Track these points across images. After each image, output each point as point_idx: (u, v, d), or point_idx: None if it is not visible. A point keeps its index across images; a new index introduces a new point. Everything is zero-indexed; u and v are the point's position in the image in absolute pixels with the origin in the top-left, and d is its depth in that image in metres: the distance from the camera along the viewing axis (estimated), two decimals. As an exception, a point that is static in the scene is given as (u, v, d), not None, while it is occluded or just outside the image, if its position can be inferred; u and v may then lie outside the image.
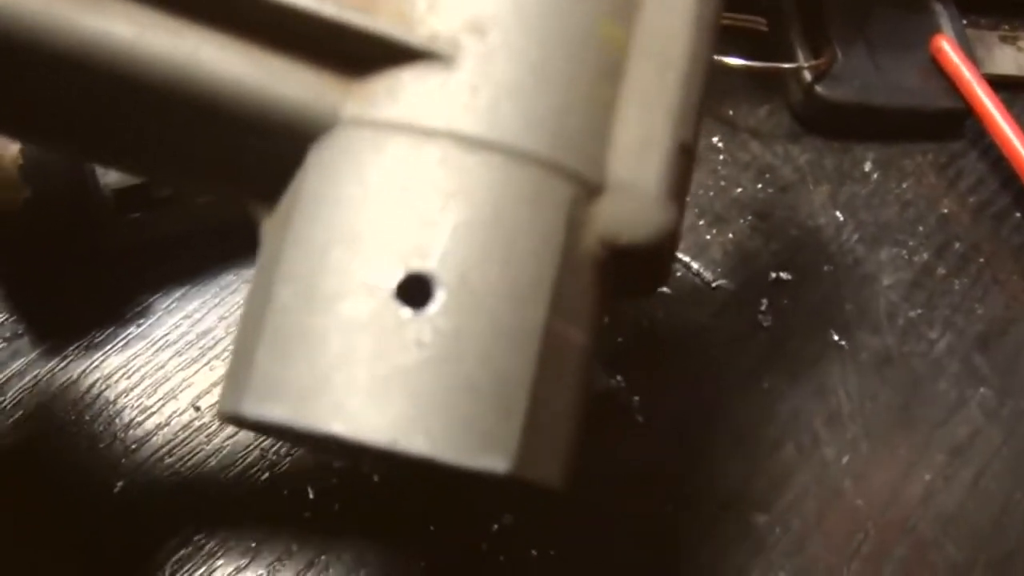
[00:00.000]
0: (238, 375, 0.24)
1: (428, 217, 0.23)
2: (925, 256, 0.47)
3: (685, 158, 0.26)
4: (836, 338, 0.44)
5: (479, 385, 0.23)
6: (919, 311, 0.45)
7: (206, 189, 0.28)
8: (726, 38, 0.48)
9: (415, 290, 0.23)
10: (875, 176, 0.49)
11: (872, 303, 0.45)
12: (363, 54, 0.25)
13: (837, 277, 0.45)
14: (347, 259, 0.23)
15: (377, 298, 0.23)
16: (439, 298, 0.23)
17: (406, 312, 0.23)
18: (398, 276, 0.23)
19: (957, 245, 0.48)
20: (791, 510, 0.39)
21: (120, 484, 0.37)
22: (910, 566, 0.39)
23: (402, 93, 0.24)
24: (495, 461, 0.23)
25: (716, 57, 0.45)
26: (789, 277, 0.45)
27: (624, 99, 0.26)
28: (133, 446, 0.38)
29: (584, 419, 0.26)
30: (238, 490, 0.37)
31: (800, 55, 0.49)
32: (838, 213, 0.47)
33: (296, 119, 0.25)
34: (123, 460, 0.37)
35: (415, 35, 0.25)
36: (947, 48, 0.50)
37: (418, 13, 0.25)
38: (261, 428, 0.25)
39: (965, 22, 0.53)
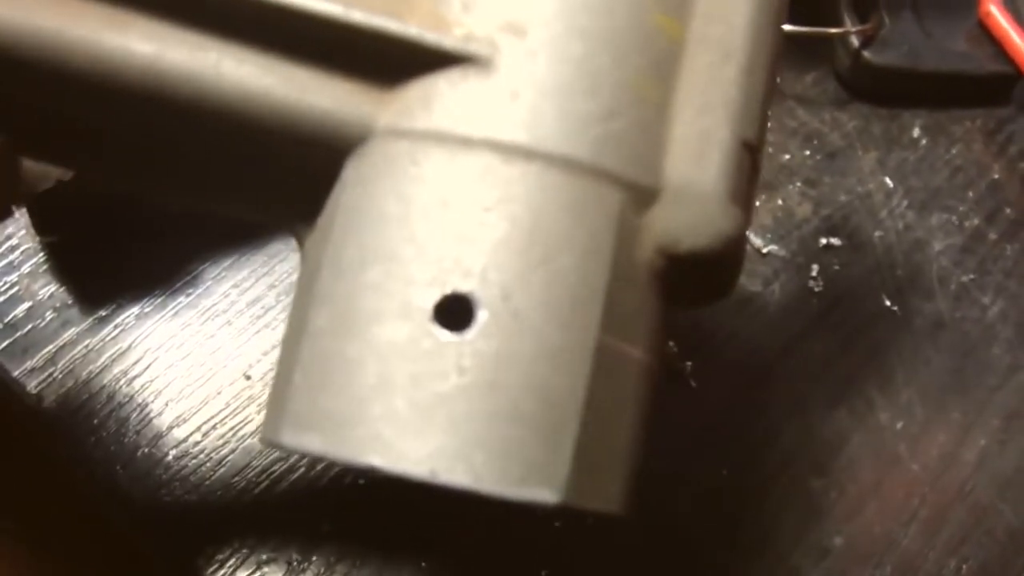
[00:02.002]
0: (278, 401, 0.24)
1: (467, 234, 0.23)
2: (976, 221, 0.48)
3: (749, 157, 0.25)
4: (888, 304, 0.44)
5: (525, 412, 0.22)
6: (971, 276, 0.46)
7: (244, 211, 0.28)
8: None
9: (455, 311, 0.22)
10: (924, 142, 0.49)
11: (924, 269, 0.46)
12: (395, 60, 0.24)
13: (888, 243, 0.46)
14: (383, 279, 0.23)
15: (415, 321, 0.22)
16: (480, 319, 0.22)
17: (445, 335, 0.22)
18: (436, 297, 0.22)
19: (1008, 211, 0.48)
20: (846, 474, 0.40)
21: (172, 453, 0.38)
22: (967, 530, 0.40)
23: (438, 101, 0.24)
24: (543, 492, 0.22)
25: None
26: (839, 243, 0.45)
27: (680, 96, 0.25)
28: (184, 415, 0.38)
29: (644, 436, 0.25)
30: (285, 464, 0.38)
31: (847, 20, 0.49)
32: (887, 179, 0.48)
33: (328, 131, 0.24)
34: (174, 430, 0.38)
35: (449, 38, 0.24)
36: (996, 12, 0.51)
37: (452, 15, 0.24)
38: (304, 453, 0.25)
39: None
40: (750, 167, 0.26)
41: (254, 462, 0.38)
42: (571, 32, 0.24)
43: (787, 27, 0.47)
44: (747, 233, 0.26)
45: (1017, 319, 0.45)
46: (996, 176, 0.49)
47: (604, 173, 0.23)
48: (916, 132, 0.50)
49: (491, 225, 0.23)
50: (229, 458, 0.38)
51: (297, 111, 0.24)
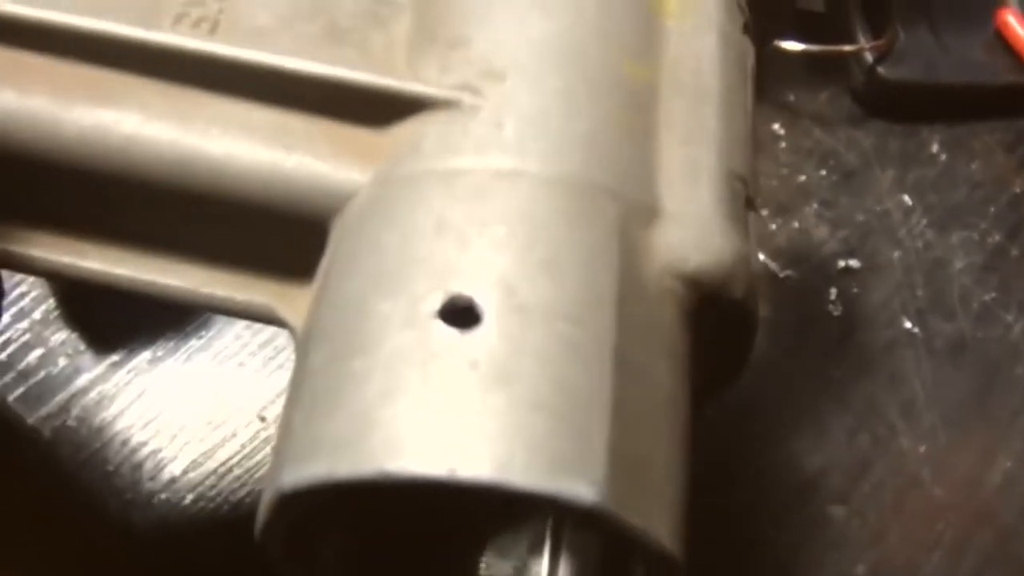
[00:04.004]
0: (276, 459, 0.23)
1: (465, 243, 0.23)
2: (997, 238, 0.48)
3: (740, 187, 0.26)
4: (909, 325, 0.45)
5: (548, 403, 0.21)
6: (993, 295, 0.46)
7: (225, 295, 0.28)
8: (785, 20, 0.50)
9: (460, 313, 0.22)
10: (943, 158, 0.50)
11: (944, 288, 0.46)
12: (381, 111, 0.25)
13: (907, 263, 0.47)
14: (384, 299, 0.23)
15: (419, 326, 0.22)
16: (488, 316, 0.22)
17: (453, 334, 0.22)
18: (439, 300, 0.22)
19: (1030, 225, 0.49)
20: (869, 501, 0.41)
21: (189, 497, 0.39)
22: (992, 555, 0.40)
23: (426, 144, 0.25)
24: (578, 488, 0.20)
25: (775, 43, 0.47)
26: (858, 264, 0.46)
27: (663, 131, 0.26)
28: (199, 459, 0.40)
29: (691, 485, 0.24)
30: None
31: (860, 37, 0.50)
32: (906, 197, 0.49)
33: (316, 191, 0.25)
34: (189, 474, 0.39)
35: (433, 87, 0.25)
36: (1013, 22, 0.51)
37: (432, 72, 0.26)
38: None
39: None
40: (742, 196, 0.27)
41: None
42: (548, 73, 0.26)
43: (799, 46, 0.48)
44: (755, 266, 0.27)
45: (1042, 337, 0.46)
46: (1017, 190, 0.50)
47: (597, 187, 0.24)
48: (935, 148, 0.50)
49: (489, 234, 0.23)
50: (246, 500, 0.39)
51: (285, 171, 0.25)
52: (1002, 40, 0.52)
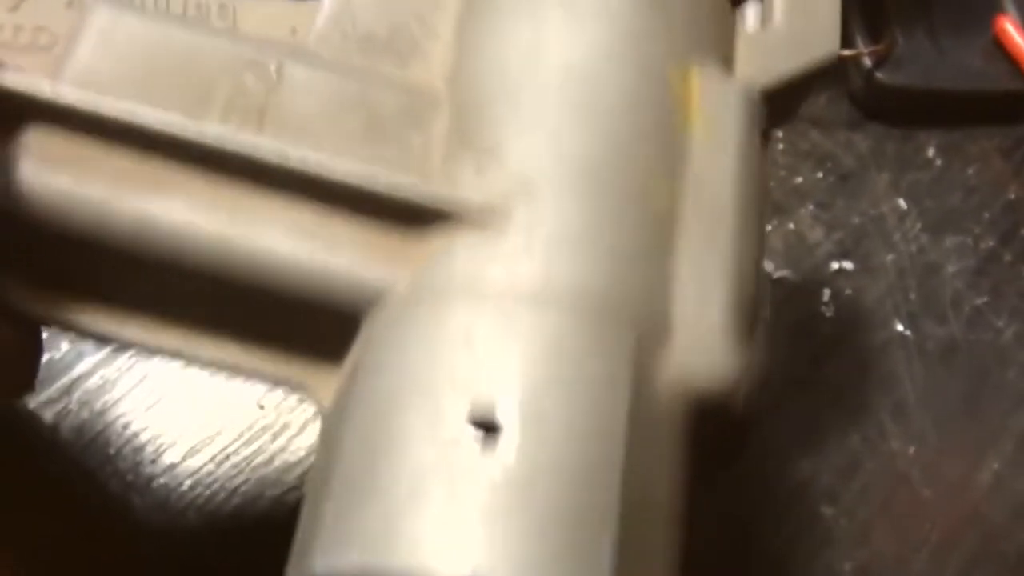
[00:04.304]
0: (305, 540, 0.25)
1: (491, 361, 0.24)
2: (991, 243, 0.49)
3: (749, 309, 0.27)
4: (901, 328, 0.46)
5: (561, 522, 0.23)
6: (985, 299, 0.47)
7: (258, 367, 0.30)
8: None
9: (484, 426, 0.24)
10: (939, 162, 0.51)
11: (937, 292, 0.47)
12: (417, 218, 0.27)
13: (901, 266, 0.47)
14: (411, 408, 0.24)
15: (444, 441, 0.23)
16: (508, 436, 0.23)
17: (475, 451, 0.23)
18: (464, 417, 0.24)
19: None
20: (858, 501, 0.42)
21: (188, 483, 0.39)
22: (979, 555, 0.41)
23: (457, 256, 0.26)
24: None
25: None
26: (852, 267, 0.47)
27: (680, 250, 0.27)
28: (197, 445, 0.40)
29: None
30: (298, 493, 0.40)
31: (859, 41, 0.51)
32: (901, 201, 0.49)
33: (350, 291, 0.27)
34: (188, 460, 0.40)
35: (465, 201, 0.26)
36: (1011, 30, 0.52)
37: (466, 178, 0.27)
38: None
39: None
40: (752, 317, 0.28)
41: (267, 492, 0.40)
42: (577, 191, 0.27)
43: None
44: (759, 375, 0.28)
45: (1032, 342, 0.46)
46: (1012, 196, 0.50)
47: (615, 310, 0.26)
48: (931, 152, 0.51)
49: (514, 353, 0.24)
50: (242, 488, 0.40)
51: (323, 268, 0.27)
52: (1000, 47, 0.52)
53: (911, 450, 0.43)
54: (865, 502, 0.42)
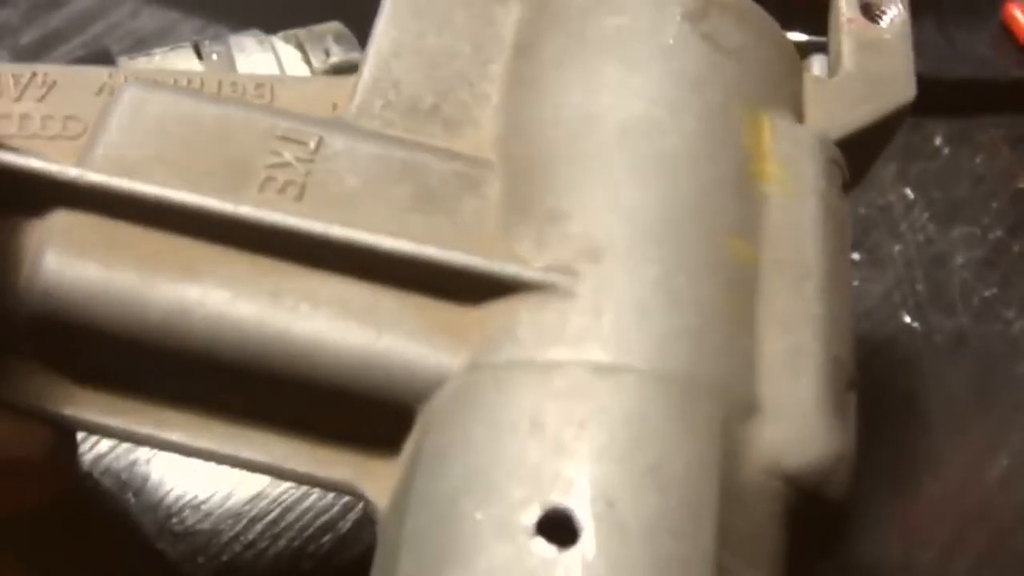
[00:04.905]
0: None
1: (563, 448, 0.22)
2: (999, 233, 0.48)
3: (842, 373, 0.26)
4: (908, 320, 0.45)
5: None
6: (994, 290, 0.47)
7: (310, 470, 0.27)
8: (788, 11, 0.50)
9: (558, 527, 0.22)
10: (946, 151, 0.50)
11: (945, 283, 0.47)
12: (475, 291, 0.25)
13: (908, 256, 0.47)
14: (477, 506, 0.22)
15: (515, 541, 0.22)
16: (586, 532, 0.21)
17: (551, 552, 0.21)
18: (536, 515, 0.22)
19: (1033, 221, 0.49)
20: (864, 496, 0.41)
21: (183, 484, 0.39)
22: (989, 554, 0.41)
23: (520, 331, 0.24)
24: None
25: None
26: (858, 258, 0.46)
27: (763, 315, 0.25)
28: (234, 490, 0.40)
29: None
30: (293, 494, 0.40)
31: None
32: (908, 190, 0.49)
33: (405, 378, 0.25)
34: (226, 504, 0.40)
35: (528, 269, 0.25)
36: (1020, 16, 0.51)
37: (526, 251, 0.25)
38: None
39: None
40: (845, 384, 0.26)
41: (266, 490, 0.40)
42: (647, 254, 0.25)
43: (803, 37, 0.48)
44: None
45: (1042, 333, 0.46)
46: (1020, 185, 0.50)
47: (699, 384, 0.24)
48: (938, 141, 0.51)
49: (588, 438, 0.22)
50: (239, 487, 0.40)
51: (375, 354, 0.25)
52: (1009, 34, 0.52)
53: (919, 445, 0.42)
54: (870, 498, 0.41)
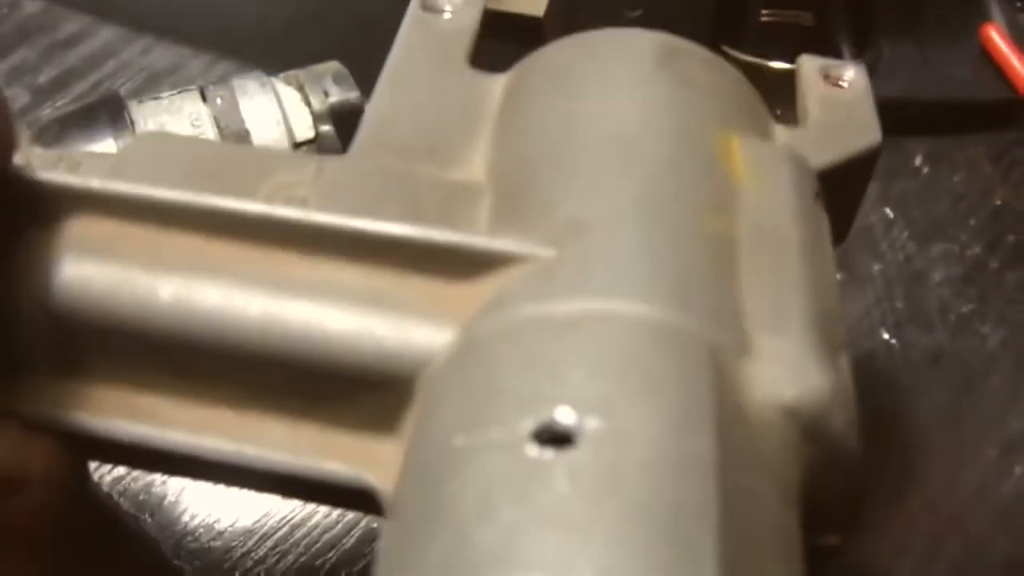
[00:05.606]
0: None
1: (558, 375, 0.23)
2: (977, 250, 0.50)
3: (829, 332, 0.26)
4: (886, 337, 0.47)
5: (653, 513, 0.20)
6: (971, 306, 0.48)
7: (314, 463, 0.27)
8: (771, 35, 0.51)
9: (554, 436, 0.22)
10: (926, 170, 0.52)
11: (923, 300, 0.48)
12: (468, 267, 0.26)
13: (888, 275, 0.49)
14: (472, 433, 0.22)
15: (511, 449, 0.22)
16: (585, 438, 0.21)
17: (548, 453, 0.21)
18: (531, 425, 0.22)
19: (1010, 237, 0.50)
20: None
21: (197, 502, 0.41)
22: (963, 564, 0.42)
23: (511, 295, 0.25)
24: None
25: (759, 61, 0.48)
26: (839, 277, 0.47)
27: (747, 278, 0.26)
28: (248, 511, 0.42)
29: None
30: (300, 512, 0.42)
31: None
32: (888, 210, 0.50)
33: (402, 353, 0.26)
34: (237, 524, 0.41)
35: (515, 242, 0.26)
36: (996, 37, 0.53)
37: (516, 232, 0.27)
38: None
39: (1019, 3, 0.55)
40: (835, 344, 0.26)
41: (273, 509, 0.42)
42: (630, 226, 0.26)
43: (784, 65, 0.50)
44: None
45: (1017, 348, 0.47)
46: (999, 202, 0.51)
47: (687, 327, 0.24)
48: (918, 161, 0.52)
49: (581, 365, 0.23)
50: (249, 507, 0.42)
51: (375, 329, 0.26)
52: (987, 55, 0.53)
53: (897, 457, 0.44)
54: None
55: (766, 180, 0.29)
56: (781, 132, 0.33)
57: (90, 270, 0.27)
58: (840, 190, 0.32)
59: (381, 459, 0.26)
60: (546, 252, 0.26)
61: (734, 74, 0.33)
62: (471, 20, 0.35)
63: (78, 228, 0.27)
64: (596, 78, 0.31)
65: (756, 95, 0.33)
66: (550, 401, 0.22)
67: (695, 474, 0.21)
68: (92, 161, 0.30)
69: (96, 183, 0.27)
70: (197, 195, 0.27)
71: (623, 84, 0.30)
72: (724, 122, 0.30)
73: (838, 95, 0.35)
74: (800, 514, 0.24)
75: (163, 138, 0.30)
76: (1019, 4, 0.55)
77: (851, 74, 0.36)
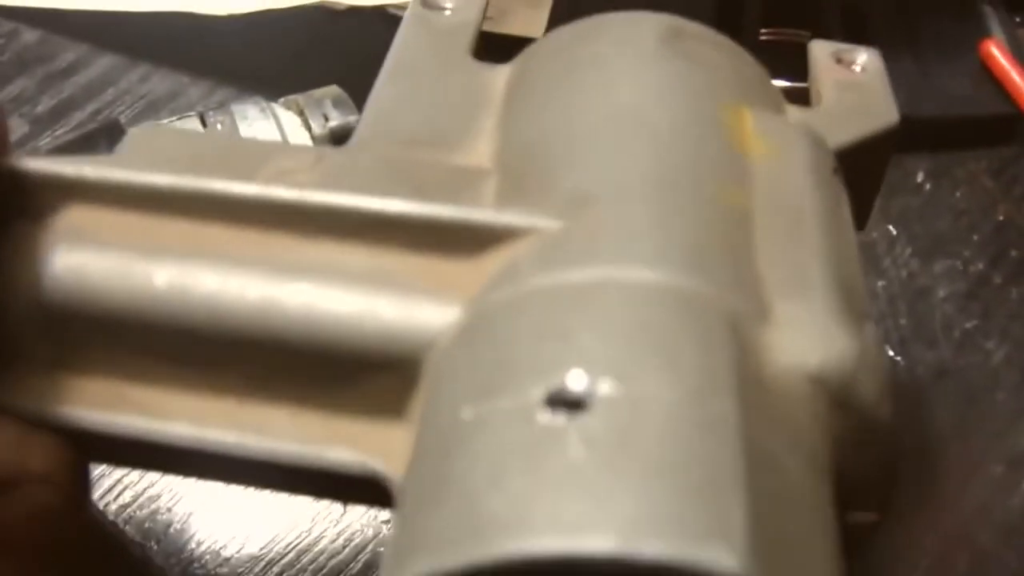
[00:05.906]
0: (389, 564, 0.21)
1: (570, 342, 0.22)
2: (980, 266, 0.50)
3: (852, 299, 0.25)
4: (891, 354, 0.47)
5: (676, 469, 0.19)
6: (975, 322, 0.48)
7: (320, 452, 0.26)
8: (770, 54, 0.51)
9: (566, 402, 0.21)
10: (928, 187, 0.52)
11: (927, 317, 0.48)
12: (474, 243, 0.26)
13: (892, 292, 0.49)
14: (481, 403, 0.22)
15: (522, 417, 0.21)
16: (599, 402, 0.20)
17: (560, 419, 0.20)
18: (542, 392, 0.21)
19: (1013, 252, 0.50)
20: (849, 528, 0.43)
21: (202, 530, 0.41)
22: (971, 577, 0.42)
23: (519, 267, 0.25)
24: (716, 554, 0.18)
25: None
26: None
27: (764, 247, 0.25)
28: (257, 534, 0.42)
29: None
30: (305, 538, 0.42)
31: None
32: (891, 227, 0.50)
33: (406, 333, 0.25)
34: (245, 549, 0.42)
35: (521, 215, 0.26)
36: (996, 53, 0.53)
37: (522, 208, 0.26)
38: None
39: (1019, 18, 0.56)
40: (858, 311, 0.25)
41: (280, 535, 0.42)
42: (640, 197, 0.26)
43: (783, 83, 0.50)
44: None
45: (1022, 363, 0.47)
46: (1001, 217, 0.51)
47: (704, 293, 0.23)
48: (920, 176, 0.52)
49: (594, 331, 0.22)
50: (255, 533, 0.42)
51: (379, 308, 0.25)
52: (987, 71, 0.53)
53: (902, 472, 0.43)
54: (857, 528, 0.43)
55: (780, 152, 0.28)
56: (794, 112, 0.33)
57: (83, 259, 0.26)
58: (858, 173, 0.32)
59: (389, 446, 0.25)
60: (553, 224, 0.25)
61: (743, 53, 0.33)
62: (473, 14, 0.35)
63: (71, 218, 0.27)
64: (601, 58, 0.31)
65: (766, 74, 0.33)
66: (561, 366, 0.21)
67: (719, 433, 0.20)
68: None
69: (89, 171, 0.27)
70: (192, 179, 0.27)
71: (629, 62, 0.30)
72: (734, 96, 0.30)
73: (852, 78, 0.35)
74: (832, 490, 0.23)
75: (158, 130, 0.30)
76: (1019, 19, 0.56)
77: (864, 57, 0.36)
